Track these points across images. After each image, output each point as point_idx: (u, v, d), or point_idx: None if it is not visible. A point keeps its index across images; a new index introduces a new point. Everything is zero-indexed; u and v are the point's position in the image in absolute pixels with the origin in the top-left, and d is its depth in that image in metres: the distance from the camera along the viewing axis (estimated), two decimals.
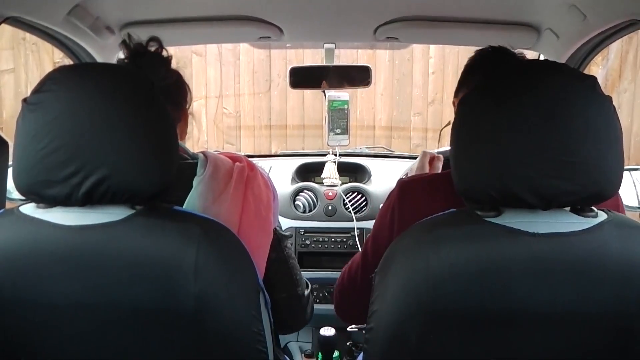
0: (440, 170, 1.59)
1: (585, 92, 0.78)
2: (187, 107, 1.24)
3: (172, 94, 1.18)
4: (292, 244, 2.07)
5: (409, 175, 1.84)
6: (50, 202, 0.82)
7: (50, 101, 0.80)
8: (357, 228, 2.03)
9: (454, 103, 1.29)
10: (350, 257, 2.03)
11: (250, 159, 2.66)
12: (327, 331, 1.76)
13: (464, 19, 1.57)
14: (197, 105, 4.16)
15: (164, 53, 1.18)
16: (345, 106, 2.06)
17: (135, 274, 0.79)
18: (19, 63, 4.14)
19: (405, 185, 1.13)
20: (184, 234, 0.83)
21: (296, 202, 2.13)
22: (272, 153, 2.53)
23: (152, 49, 1.17)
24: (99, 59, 1.65)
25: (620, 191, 0.84)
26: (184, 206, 0.98)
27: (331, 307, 2.04)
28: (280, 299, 1.17)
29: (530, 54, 1.83)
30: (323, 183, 2.16)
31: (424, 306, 0.78)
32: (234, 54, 4.24)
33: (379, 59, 4.17)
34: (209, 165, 1.03)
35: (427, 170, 1.61)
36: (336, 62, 2.02)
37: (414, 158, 2.07)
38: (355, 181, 2.22)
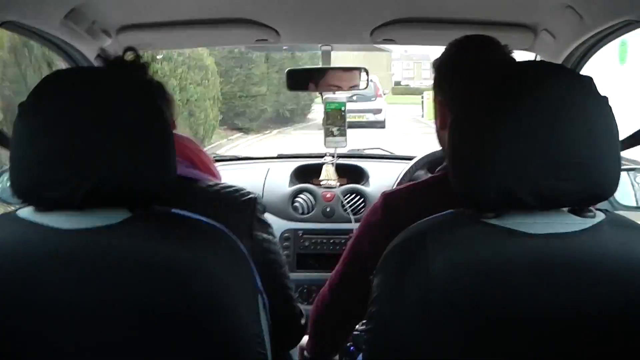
0: None
1: (582, 93, 0.78)
2: (174, 118, 1.23)
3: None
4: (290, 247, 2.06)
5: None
6: (48, 205, 0.82)
7: (47, 105, 0.80)
8: (356, 229, 2.02)
9: (435, 100, 1.19)
10: None
11: (248, 161, 2.67)
12: None
13: (460, 20, 1.58)
14: None
15: (141, 61, 1.17)
16: (343, 108, 2.06)
17: (134, 277, 0.78)
18: None
19: (389, 198, 1.12)
20: (182, 237, 0.83)
21: (294, 204, 2.13)
22: (270, 155, 2.53)
23: (129, 58, 1.16)
24: (96, 62, 1.65)
25: (617, 191, 0.84)
26: None
27: None
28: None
29: (526, 55, 1.84)
30: (321, 185, 2.16)
31: (422, 307, 0.78)
32: None
33: None
34: None
35: None
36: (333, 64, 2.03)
37: (411, 159, 2.07)
38: (353, 183, 2.22)
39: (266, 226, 1.15)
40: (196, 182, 1.12)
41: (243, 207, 1.11)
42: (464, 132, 0.82)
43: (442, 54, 1.20)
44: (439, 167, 1.18)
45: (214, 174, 1.19)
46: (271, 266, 1.14)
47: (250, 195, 1.12)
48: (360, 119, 14.74)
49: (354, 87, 2.06)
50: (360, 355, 1.51)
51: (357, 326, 1.83)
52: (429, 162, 1.98)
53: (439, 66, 1.18)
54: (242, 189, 1.13)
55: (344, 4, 1.50)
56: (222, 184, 1.15)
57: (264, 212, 1.16)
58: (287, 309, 1.20)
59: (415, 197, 1.12)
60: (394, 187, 1.18)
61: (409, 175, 2.01)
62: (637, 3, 1.18)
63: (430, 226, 0.84)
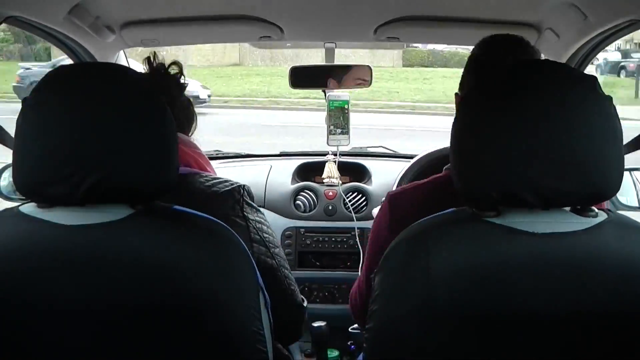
0: None
1: (586, 92, 0.78)
2: (190, 133, 1.29)
3: (178, 122, 1.22)
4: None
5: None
6: (50, 201, 0.82)
7: (50, 101, 0.80)
8: (357, 228, 2.03)
9: (456, 95, 1.24)
10: (350, 256, 2.05)
11: (251, 158, 2.67)
12: (318, 324, 1.76)
13: (464, 18, 1.58)
14: None
15: (182, 80, 1.23)
16: (346, 106, 2.06)
17: (135, 274, 0.79)
18: None
19: (393, 198, 1.17)
20: (183, 234, 0.83)
21: (296, 202, 2.12)
22: (273, 153, 2.53)
23: (172, 72, 1.23)
24: (99, 58, 1.66)
25: (620, 191, 0.83)
26: None
27: (331, 306, 2.06)
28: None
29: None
30: (323, 183, 2.16)
31: (423, 305, 0.78)
32: None
33: None
34: None
35: None
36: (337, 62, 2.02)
37: (412, 157, 2.07)
38: (356, 181, 2.21)
39: (256, 210, 1.19)
40: (186, 176, 1.15)
41: (232, 194, 1.14)
42: (466, 130, 0.82)
43: (472, 52, 1.22)
44: (445, 166, 1.18)
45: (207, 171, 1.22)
46: (267, 244, 1.17)
47: (239, 183, 1.16)
48: None
49: (359, 84, 2.06)
50: (361, 355, 1.51)
51: (357, 325, 1.84)
52: (430, 160, 1.98)
53: (466, 65, 1.21)
54: (229, 180, 1.17)
55: (348, 2, 1.50)
56: (211, 176, 1.17)
57: (252, 199, 1.19)
58: (287, 296, 1.21)
59: (419, 196, 1.14)
60: (398, 187, 1.21)
61: (410, 173, 2.00)
62: None
63: (431, 225, 0.84)
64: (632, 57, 16.80)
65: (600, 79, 0.81)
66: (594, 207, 0.82)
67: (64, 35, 1.49)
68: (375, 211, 1.63)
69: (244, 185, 1.16)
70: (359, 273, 1.39)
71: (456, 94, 1.24)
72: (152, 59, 1.21)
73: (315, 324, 1.75)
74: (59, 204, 0.82)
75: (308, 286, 2.07)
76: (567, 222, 0.80)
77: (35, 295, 0.78)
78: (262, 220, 1.19)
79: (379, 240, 1.18)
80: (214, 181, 1.15)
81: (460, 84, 1.23)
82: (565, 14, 1.40)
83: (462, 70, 1.23)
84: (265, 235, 1.18)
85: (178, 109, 1.21)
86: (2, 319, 0.78)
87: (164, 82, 1.20)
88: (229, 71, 17.48)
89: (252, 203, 1.18)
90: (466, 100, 0.84)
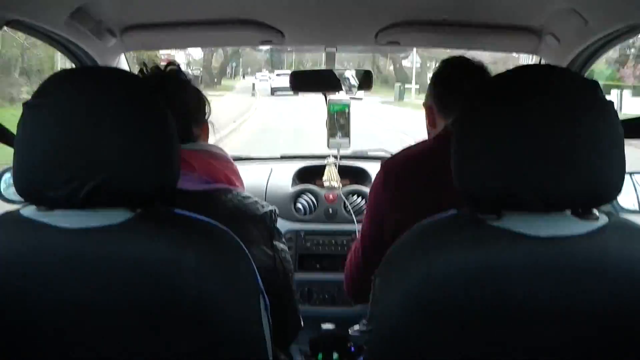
0: None
1: (587, 96, 0.78)
2: (206, 118, 1.28)
3: (193, 113, 1.24)
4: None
5: None
6: (50, 204, 0.82)
7: (51, 104, 0.80)
8: (358, 231, 2.03)
9: (424, 105, 1.41)
10: None
11: (251, 161, 2.66)
12: (327, 326, 1.76)
13: (465, 23, 1.58)
14: None
15: (182, 76, 1.23)
16: (346, 109, 2.06)
17: (135, 277, 0.79)
18: None
19: (387, 164, 1.34)
20: (184, 237, 0.83)
21: (297, 205, 2.13)
22: (274, 156, 2.53)
23: (169, 69, 1.22)
24: (100, 62, 1.66)
25: (620, 194, 0.84)
26: None
27: (332, 308, 2.06)
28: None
29: (531, 59, 1.84)
30: (324, 186, 2.16)
31: (424, 309, 0.78)
32: None
33: None
34: None
35: None
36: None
37: None
38: (356, 184, 2.22)
39: (281, 235, 1.23)
40: (213, 195, 1.13)
41: (263, 218, 1.15)
42: (468, 132, 0.82)
43: (441, 71, 1.40)
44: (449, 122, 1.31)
45: (236, 186, 1.21)
46: (287, 275, 1.19)
47: (270, 208, 1.17)
48: None
49: (359, 88, 2.06)
50: (362, 358, 1.51)
51: (358, 327, 1.85)
52: None
53: (441, 81, 1.38)
54: (260, 201, 1.17)
55: (348, 7, 1.50)
56: (240, 195, 1.16)
57: (276, 221, 1.21)
58: (291, 312, 1.25)
59: (411, 161, 1.32)
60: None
61: None
62: None
63: (431, 228, 0.84)
64: None
65: None
66: (595, 210, 0.82)
67: (66, 39, 1.49)
68: None
69: (274, 210, 1.18)
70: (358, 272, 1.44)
71: (424, 103, 1.42)
72: (145, 70, 1.21)
73: (325, 326, 1.76)
74: (59, 207, 0.82)
75: (308, 288, 2.07)
76: (568, 225, 0.80)
77: (35, 298, 0.78)
78: (286, 248, 1.22)
79: (377, 205, 1.33)
80: (244, 203, 1.15)
81: (426, 95, 1.41)
82: (566, 19, 1.40)
83: None
84: (287, 264, 1.20)
85: (181, 103, 1.19)
86: (6, 322, 0.78)
87: (163, 82, 1.19)
88: None
89: (278, 228, 1.20)
90: (469, 103, 0.84)
